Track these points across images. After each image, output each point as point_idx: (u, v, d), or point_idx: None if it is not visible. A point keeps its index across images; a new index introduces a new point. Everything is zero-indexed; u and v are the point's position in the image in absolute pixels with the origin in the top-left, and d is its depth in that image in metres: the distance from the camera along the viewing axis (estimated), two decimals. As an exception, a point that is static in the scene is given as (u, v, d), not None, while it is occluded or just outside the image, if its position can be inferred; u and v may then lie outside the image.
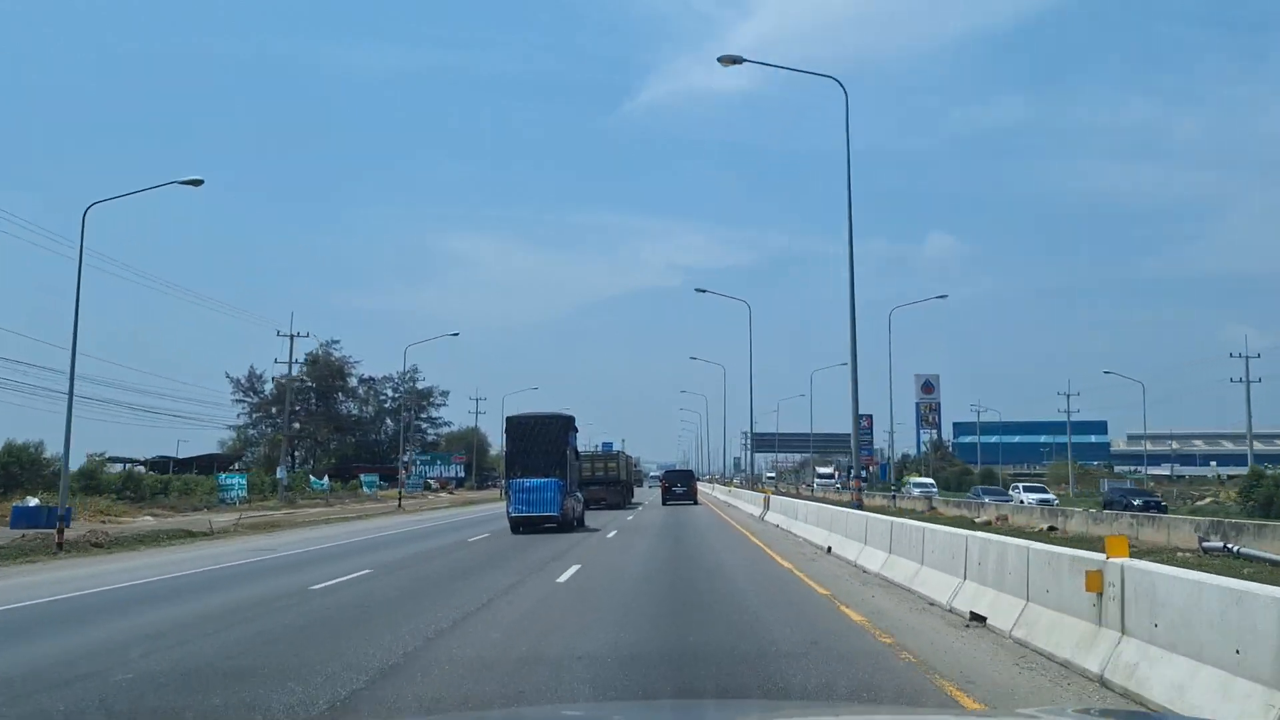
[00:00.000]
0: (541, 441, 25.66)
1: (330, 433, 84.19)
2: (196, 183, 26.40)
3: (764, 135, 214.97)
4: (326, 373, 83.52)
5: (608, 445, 69.71)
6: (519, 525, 24.89)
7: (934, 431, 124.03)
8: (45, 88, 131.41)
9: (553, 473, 25.12)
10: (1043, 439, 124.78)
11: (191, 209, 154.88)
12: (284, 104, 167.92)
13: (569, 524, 25.92)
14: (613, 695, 6.48)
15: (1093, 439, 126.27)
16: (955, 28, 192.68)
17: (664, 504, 47.20)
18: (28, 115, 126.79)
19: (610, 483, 42.82)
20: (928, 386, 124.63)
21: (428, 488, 77.79)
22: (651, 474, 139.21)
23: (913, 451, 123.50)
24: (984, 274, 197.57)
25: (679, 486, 50.12)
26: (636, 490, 68.77)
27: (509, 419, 27.44)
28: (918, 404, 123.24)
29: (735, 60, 23.68)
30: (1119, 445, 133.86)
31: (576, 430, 28.30)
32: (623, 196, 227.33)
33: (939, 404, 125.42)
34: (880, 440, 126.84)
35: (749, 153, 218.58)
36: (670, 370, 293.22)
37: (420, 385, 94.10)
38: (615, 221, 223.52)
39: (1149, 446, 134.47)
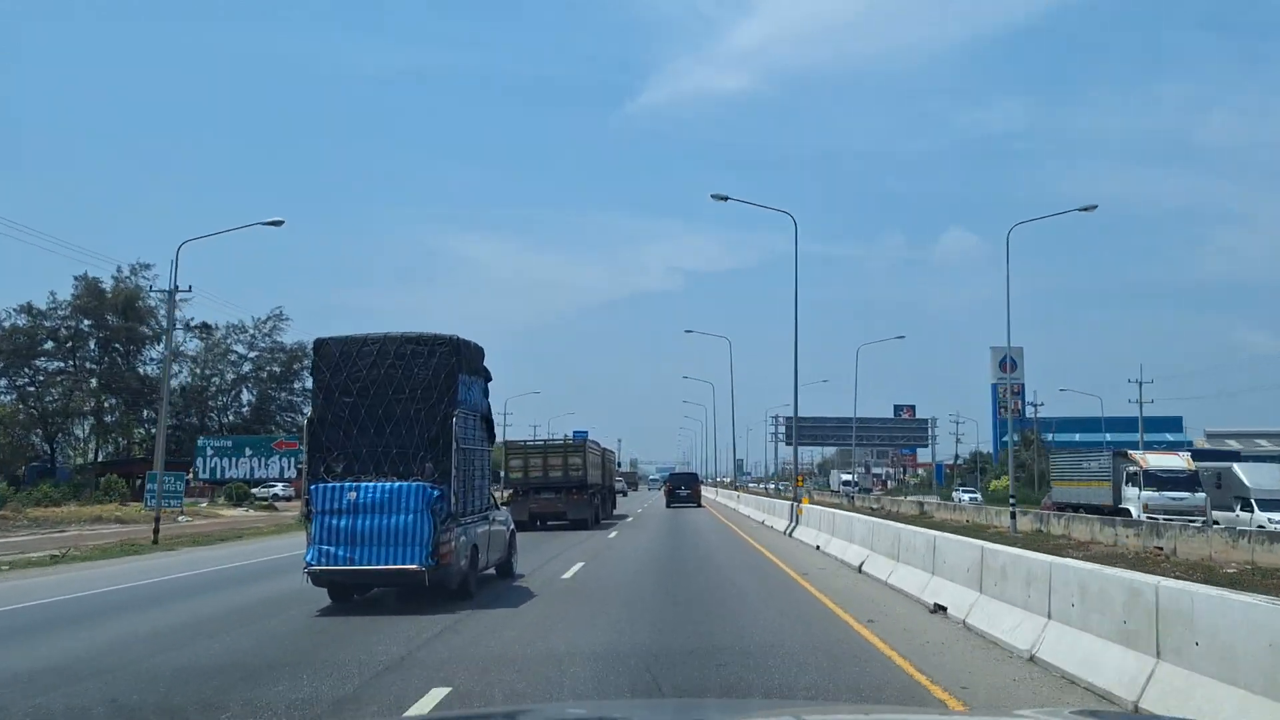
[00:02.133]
0: (393, 395, 11.23)
1: (114, 404, 54.64)
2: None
3: (764, 135, 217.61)
4: (114, 308, 54.53)
5: (580, 434, 52.40)
6: (340, 589, 11.33)
7: (1018, 420, 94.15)
8: (44, 88, 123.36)
9: (413, 466, 11.02)
10: (1109, 437, 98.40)
11: (191, 209, 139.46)
12: (284, 104, 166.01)
13: (458, 582, 11.38)
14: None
15: (1169, 437, 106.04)
16: (957, 30, 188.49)
17: (668, 506, 48.46)
18: (26, 113, 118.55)
19: (572, 488, 28.81)
20: (1008, 364, 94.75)
21: (242, 497, 47.79)
22: (651, 476, 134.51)
23: (987, 447, 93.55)
24: (993, 274, 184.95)
25: (683, 489, 51.60)
26: (628, 495, 60.16)
27: (318, 342, 11.91)
28: (994, 385, 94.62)
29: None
30: (1200, 444, 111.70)
31: (488, 377, 13.01)
32: (624, 198, 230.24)
33: (1023, 385, 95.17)
34: (944, 435, 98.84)
35: (750, 153, 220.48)
36: (671, 371, 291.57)
37: (290, 341, 64.51)
38: (616, 223, 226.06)
39: (1233, 445, 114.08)
